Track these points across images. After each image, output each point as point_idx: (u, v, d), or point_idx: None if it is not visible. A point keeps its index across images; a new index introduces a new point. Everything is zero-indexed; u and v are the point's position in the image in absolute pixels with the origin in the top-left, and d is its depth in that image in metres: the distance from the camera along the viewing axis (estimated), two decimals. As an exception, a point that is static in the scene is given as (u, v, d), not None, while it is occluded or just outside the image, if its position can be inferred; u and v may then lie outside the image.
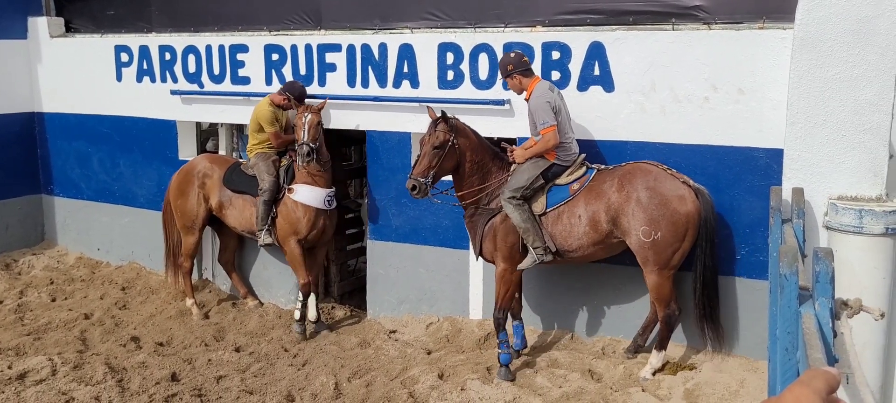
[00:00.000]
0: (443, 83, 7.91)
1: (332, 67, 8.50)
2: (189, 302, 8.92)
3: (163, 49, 9.68)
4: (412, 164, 7.13)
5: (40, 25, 10.73)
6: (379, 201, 8.52)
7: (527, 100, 6.83)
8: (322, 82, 8.58)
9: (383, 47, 8.18)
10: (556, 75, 7.31)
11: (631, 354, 7.22)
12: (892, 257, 5.42)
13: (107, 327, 8.49)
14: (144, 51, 9.83)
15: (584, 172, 6.89)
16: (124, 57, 10.03)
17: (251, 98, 8.76)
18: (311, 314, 8.40)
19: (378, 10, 8.29)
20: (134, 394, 6.82)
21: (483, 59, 7.69)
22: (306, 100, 8.27)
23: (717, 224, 6.76)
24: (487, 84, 7.70)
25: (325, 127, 8.22)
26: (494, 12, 7.73)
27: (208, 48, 9.32)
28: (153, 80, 9.83)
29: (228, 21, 9.25)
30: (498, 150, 7.18)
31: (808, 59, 5.74)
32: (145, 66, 9.86)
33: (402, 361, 7.53)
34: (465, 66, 7.78)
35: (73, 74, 10.60)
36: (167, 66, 9.68)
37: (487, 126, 7.50)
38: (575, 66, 7.30)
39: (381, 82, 8.25)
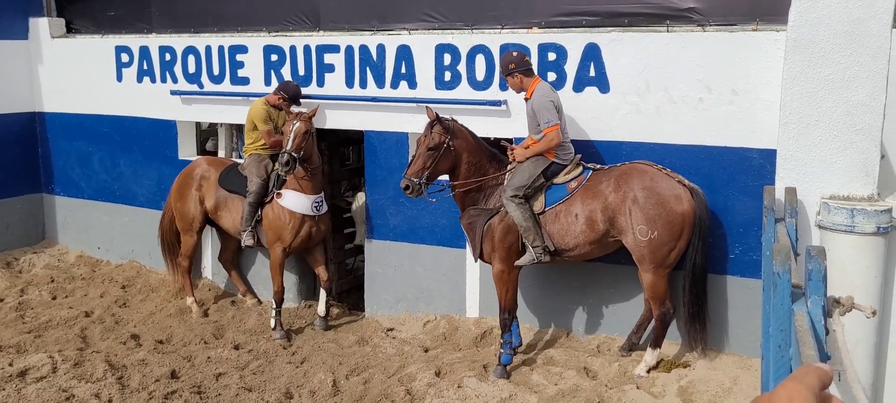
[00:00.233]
0: (440, 84, 7.91)
1: (331, 68, 8.49)
2: (189, 300, 8.90)
3: (163, 49, 9.66)
4: (408, 163, 7.12)
5: (42, 26, 10.71)
6: (377, 200, 8.51)
7: (527, 98, 6.82)
8: (321, 83, 8.57)
9: (381, 48, 8.17)
10: (552, 76, 7.31)
11: (625, 352, 7.23)
12: (883, 256, 5.44)
13: (107, 325, 8.48)
14: (145, 51, 9.82)
15: (580, 172, 6.89)
16: (125, 57, 10.02)
17: (250, 98, 8.74)
18: (321, 309, 8.40)
19: (376, 12, 8.29)
20: (134, 391, 6.80)
21: (480, 60, 7.69)
22: (300, 102, 8.26)
23: (711, 223, 6.77)
24: (484, 85, 7.70)
25: (322, 127, 8.20)
26: (491, 14, 7.73)
27: (208, 49, 9.30)
28: (153, 81, 9.81)
29: (228, 22, 9.24)
30: (495, 151, 7.17)
31: (801, 61, 5.75)
32: (145, 67, 9.84)
33: (399, 359, 7.52)
34: (462, 67, 7.78)
35: (74, 74, 10.58)
36: (167, 67, 9.66)
37: (484, 126, 7.50)
38: (571, 68, 7.31)
39: (379, 83, 8.24)
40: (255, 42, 8.97)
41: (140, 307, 9.08)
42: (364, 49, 8.27)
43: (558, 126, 6.63)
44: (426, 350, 7.74)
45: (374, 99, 8.28)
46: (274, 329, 8.18)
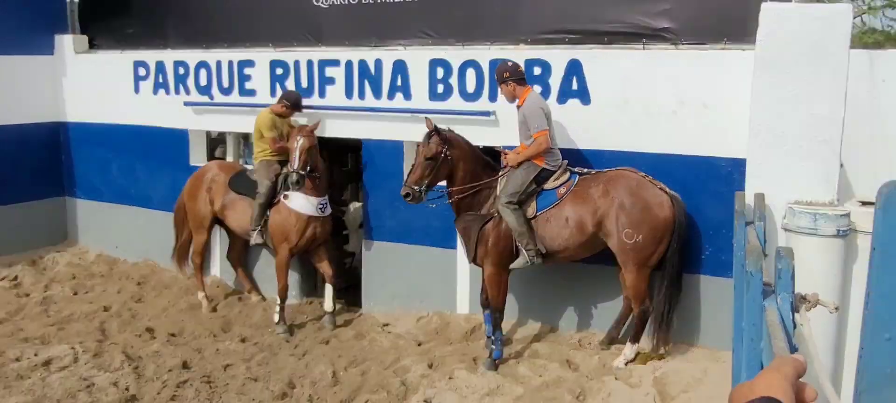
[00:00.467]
0: (433, 95, 7.86)
1: (332, 81, 8.44)
2: (200, 295, 8.82)
3: (177, 64, 9.60)
4: (408, 172, 7.05)
5: (66, 42, 10.65)
6: (374, 204, 8.45)
7: (519, 107, 6.77)
8: (322, 94, 8.51)
9: (379, 62, 8.12)
10: (537, 89, 7.26)
11: (605, 346, 7.17)
12: (842, 256, 5.45)
13: (124, 319, 8.40)
14: (160, 65, 9.76)
15: (568, 177, 6.84)
16: (142, 71, 9.95)
17: (257, 108, 8.68)
18: (328, 305, 8.31)
19: (374, 29, 8.23)
20: (149, 380, 6.75)
21: (470, 74, 7.64)
22: (302, 109, 8.24)
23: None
24: (474, 96, 7.65)
25: (322, 135, 8.15)
26: (481, 31, 7.69)
27: (218, 63, 9.24)
28: (168, 93, 9.74)
29: (237, 38, 9.17)
30: (488, 159, 7.12)
31: (769, 78, 5.76)
32: (161, 80, 9.78)
33: (394, 352, 7.45)
34: (453, 80, 7.73)
35: (95, 87, 10.50)
36: (181, 80, 9.60)
37: (474, 134, 7.43)
38: (555, 81, 7.27)
39: (377, 94, 8.19)
40: (262, 56, 8.91)
41: (154, 302, 8.99)
42: (363, 63, 8.22)
43: (547, 131, 6.59)
44: (419, 344, 7.67)
45: (371, 109, 8.22)
46: (278, 323, 8.10)
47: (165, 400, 6.42)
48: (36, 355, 7.12)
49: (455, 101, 7.75)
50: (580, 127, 7.23)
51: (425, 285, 8.26)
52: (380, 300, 8.58)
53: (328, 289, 8.34)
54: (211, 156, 9.93)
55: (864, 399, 2.65)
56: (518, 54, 7.35)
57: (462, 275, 8.02)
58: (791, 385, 1.22)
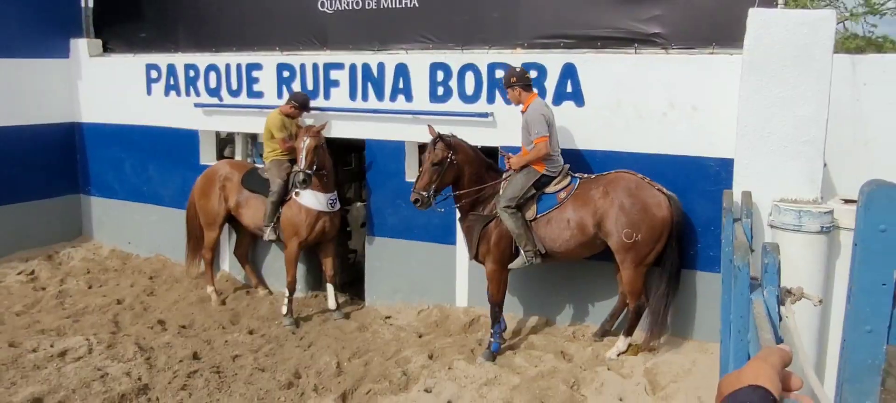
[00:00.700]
0: (434, 98, 7.86)
1: (336, 83, 8.43)
2: (209, 289, 8.82)
3: (188, 67, 9.59)
4: (415, 178, 7.01)
5: (81, 46, 10.64)
6: (376, 201, 8.45)
7: (523, 112, 6.76)
8: (327, 96, 8.51)
9: (381, 66, 8.12)
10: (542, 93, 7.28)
11: (599, 338, 7.18)
12: (826, 252, 5.45)
13: (136, 311, 8.40)
14: (172, 68, 9.75)
15: (569, 181, 6.83)
16: (154, 74, 9.94)
17: (264, 110, 8.68)
18: (331, 302, 8.32)
19: (377, 34, 8.23)
20: (160, 371, 6.75)
21: (469, 77, 7.64)
22: (310, 109, 8.24)
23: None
24: (473, 99, 7.65)
25: (328, 136, 8.15)
26: (480, 36, 7.69)
27: (227, 66, 9.23)
28: (179, 94, 9.73)
29: (245, 42, 9.16)
30: (491, 162, 7.12)
31: (756, 81, 5.76)
32: (172, 82, 9.77)
33: (396, 343, 7.46)
34: (453, 83, 7.73)
35: (109, 89, 10.50)
36: (191, 82, 9.59)
37: (473, 135, 7.44)
38: (550, 84, 7.27)
39: (380, 97, 8.19)
40: (269, 60, 8.90)
41: (165, 296, 8.99)
42: (366, 66, 8.21)
43: (547, 138, 6.56)
44: (420, 336, 7.68)
45: (374, 111, 8.22)
46: (285, 315, 8.11)
47: (176, 390, 6.42)
48: (52, 346, 7.12)
49: (454, 103, 7.75)
50: (574, 128, 7.23)
51: (426, 279, 8.26)
52: (382, 294, 8.58)
53: (329, 288, 8.36)
54: (220, 156, 9.92)
55: (847, 389, 2.65)
56: (515, 58, 7.36)
57: (461, 270, 8.02)
58: (777, 374, 1.23)
